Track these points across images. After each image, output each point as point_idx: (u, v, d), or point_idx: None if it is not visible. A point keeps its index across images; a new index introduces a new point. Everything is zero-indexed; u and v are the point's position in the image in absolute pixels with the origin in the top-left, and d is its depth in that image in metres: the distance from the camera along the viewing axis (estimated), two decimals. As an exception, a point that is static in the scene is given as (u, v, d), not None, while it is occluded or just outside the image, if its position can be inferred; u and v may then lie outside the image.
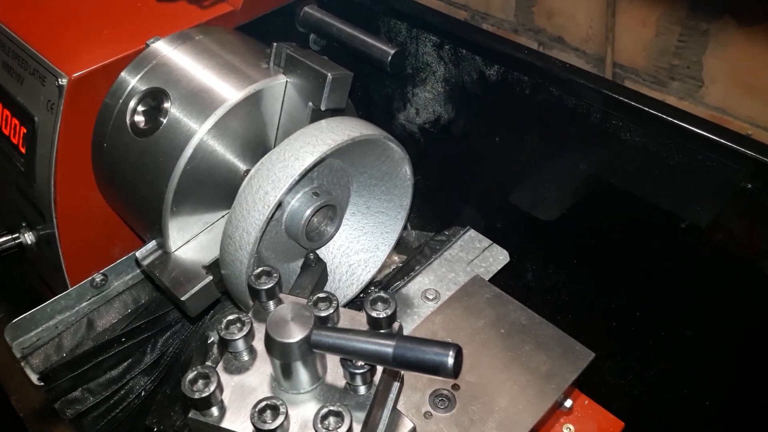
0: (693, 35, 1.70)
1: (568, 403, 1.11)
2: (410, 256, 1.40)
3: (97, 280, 1.29)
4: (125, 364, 1.25)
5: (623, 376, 1.35)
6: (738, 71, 1.62)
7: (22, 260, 1.49)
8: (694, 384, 1.26)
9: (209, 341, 1.27)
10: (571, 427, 1.12)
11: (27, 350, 1.24)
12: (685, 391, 1.28)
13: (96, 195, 1.22)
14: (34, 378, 1.21)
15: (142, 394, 1.28)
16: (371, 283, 1.29)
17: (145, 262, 1.06)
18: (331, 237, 1.14)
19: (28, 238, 1.35)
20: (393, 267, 1.38)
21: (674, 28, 1.75)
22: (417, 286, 1.30)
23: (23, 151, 1.22)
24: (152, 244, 1.07)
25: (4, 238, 1.34)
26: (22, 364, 1.24)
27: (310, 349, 0.73)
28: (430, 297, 1.28)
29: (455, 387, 1.09)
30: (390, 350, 0.69)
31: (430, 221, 1.60)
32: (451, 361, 0.66)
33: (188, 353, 1.29)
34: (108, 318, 1.30)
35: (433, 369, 0.68)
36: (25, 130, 1.20)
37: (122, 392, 1.26)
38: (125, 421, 1.29)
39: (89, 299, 1.29)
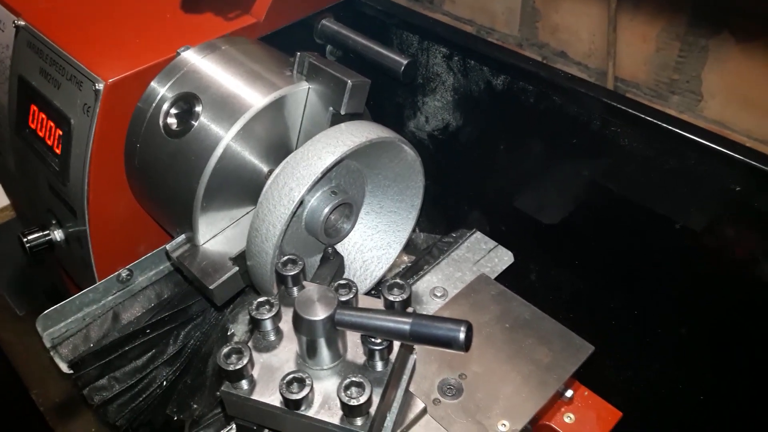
0: (692, 51, 1.75)
1: (569, 393, 1.16)
2: (419, 256, 1.46)
3: (123, 275, 1.35)
4: (149, 354, 1.32)
5: (622, 373, 1.41)
6: (736, 86, 1.67)
7: (44, 259, 1.55)
8: (689, 380, 1.32)
9: (229, 333, 1.34)
10: (572, 415, 1.18)
11: (56, 340, 1.31)
12: (680, 386, 1.34)
13: (126, 194, 1.30)
14: (63, 366, 1.27)
15: (164, 384, 1.35)
16: (382, 281, 1.35)
17: (175, 254, 1.13)
18: (347, 233, 1.21)
19: (58, 235, 1.42)
20: (403, 266, 1.45)
21: (674, 43, 1.80)
22: (426, 284, 1.37)
23: (58, 151, 1.29)
24: (181, 237, 1.15)
25: (35, 235, 1.41)
26: (52, 353, 1.31)
27: (334, 327, 0.80)
28: (438, 294, 1.34)
29: (462, 376, 1.15)
30: (407, 327, 0.76)
31: (438, 224, 1.67)
32: (462, 335, 0.73)
33: (209, 345, 1.36)
34: (132, 311, 1.36)
35: (446, 343, 0.75)
36: (60, 132, 1.27)
37: (146, 381, 1.32)
38: (147, 409, 1.35)
39: (115, 293, 1.35)
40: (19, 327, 1.99)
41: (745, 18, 1.52)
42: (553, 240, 1.48)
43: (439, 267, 1.41)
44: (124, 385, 1.29)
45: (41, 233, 1.42)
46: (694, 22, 1.69)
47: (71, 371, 1.26)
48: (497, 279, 1.38)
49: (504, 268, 1.41)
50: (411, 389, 0.95)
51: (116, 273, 1.34)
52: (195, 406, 1.34)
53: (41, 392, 1.84)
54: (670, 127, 1.14)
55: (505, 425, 1.08)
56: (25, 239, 1.40)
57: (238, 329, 1.33)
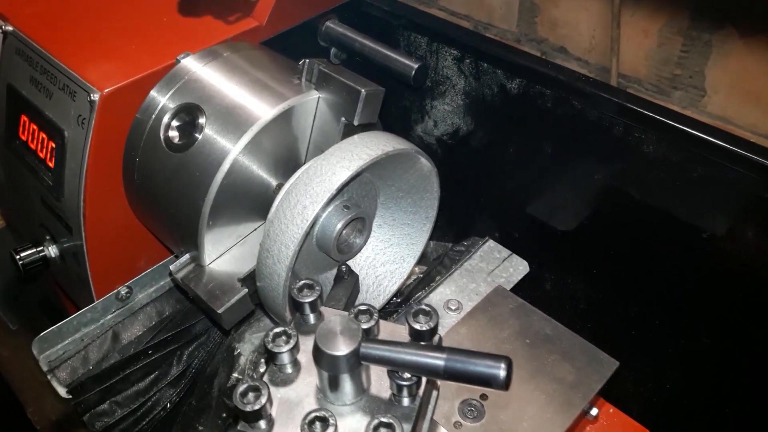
0: (695, 46, 1.72)
1: (594, 411, 1.12)
2: (430, 266, 1.41)
3: (123, 292, 1.30)
4: (152, 376, 1.26)
5: (643, 384, 1.37)
6: (739, 81, 1.65)
7: (38, 276, 1.49)
8: (713, 391, 1.28)
9: (236, 353, 1.28)
10: (598, 435, 1.14)
11: (53, 363, 1.25)
12: (704, 398, 1.30)
13: (123, 208, 1.23)
14: (62, 391, 1.22)
15: (168, 406, 1.29)
16: (397, 296, 1.30)
17: (180, 276, 1.07)
18: (360, 249, 1.16)
19: (52, 251, 1.36)
20: (414, 277, 1.39)
21: (676, 38, 1.78)
22: (439, 296, 1.32)
23: (51, 165, 1.23)
24: (185, 257, 1.08)
25: (28, 252, 1.35)
26: (49, 377, 1.25)
27: (358, 362, 0.75)
28: (453, 307, 1.29)
29: (483, 397, 1.10)
30: (441, 363, 0.71)
31: (447, 231, 1.62)
32: (503, 374, 0.68)
33: (214, 365, 1.30)
34: (133, 330, 1.31)
35: (485, 381, 0.69)
36: (53, 145, 1.21)
37: (149, 404, 1.26)
38: (151, 433, 1.30)
39: (114, 312, 1.30)
40: (13, 342, 1.92)
41: (749, 12, 1.49)
42: (568, 248, 1.44)
43: (452, 278, 1.36)
44: (127, 409, 1.23)
45: (34, 250, 1.35)
46: (696, 16, 1.66)
47: (70, 396, 1.21)
48: (511, 289, 1.33)
49: (519, 278, 1.36)
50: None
51: (115, 291, 1.29)
52: (201, 428, 1.29)
53: (37, 410, 1.78)
54: (698, 134, 1.09)
55: (530, 449, 1.03)
56: (18, 256, 1.33)
57: (245, 348, 1.28)
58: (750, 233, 1.15)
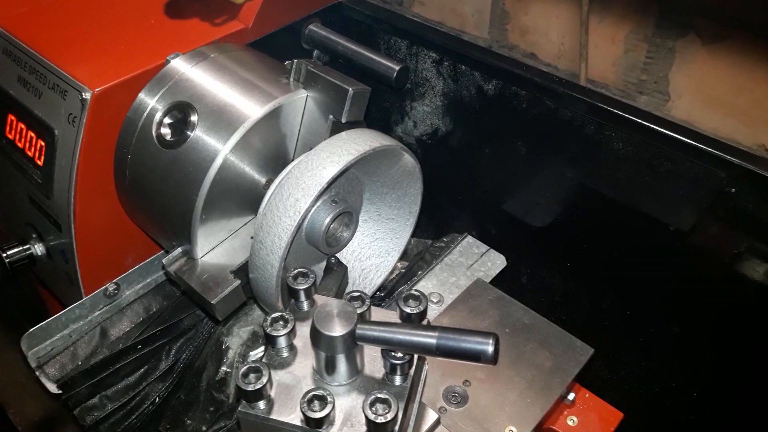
0: (660, 52, 1.77)
1: (571, 396, 1.17)
2: (412, 262, 1.46)
3: (110, 289, 1.31)
4: (141, 371, 1.28)
5: (615, 372, 1.43)
6: (702, 86, 1.70)
7: (22, 273, 1.49)
8: (682, 377, 1.34)
9: (224, 347, 1.30)
10: (575, 418, 1.19)
11: (42, 359, 1.26)
12: (673, 384, 1.36)
13: (113, 205, 1.25)
14: (51, 387, 1.23)
15: (157, 400, 1.31)
16: (382, 289, 1.34)
17: (173, 269, 1.09)
18: (347, 242, 1.20)
19: (39, 249, 1.37)
20: (396, 272, 1.44)
21: (642, 45, 1.82)
22: (421, 290, 1.36)
23: (40, 163, 1.24)
24: (178, 251, 1.11)
25: (15, 250, 1.36)
26: (38, 373, 1.26)
27: (354, 342, 0.79)
28: (435, 300, 1.34)
29: (466, 383, 1.15)
30: (434, 341, 0.75)
31: (427, 229, 1.67)
32: (491, 349, 0.73)
33: (202, 359, 1.33)
34: (120, 327, 1.33)
35: (474, 356, 0.74)
36: (43, 143, 1.22)
37: (138, 398, 1.28)
38: (140, 427, 1.31)
39: (102, 308, 1.32)
40: (-9, 344, 1.91)
41: (710, 20, 1.55)
42: (543, 242, 1.49)
43: (433, 272, 1.40)
44: (117, 403, 1.25)
45: (21, 248, 1.36)
46: (660, 24, 1.71)
47: (60, 391, 1.22)
48: (490, 282, 1.38)
49: (497, 272, 1.41)
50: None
51: (103, 287, 1.30)
52: (189, 422, 1.31)
53: (18, 411, 1.77)
54: (665, 131, 1.16)
55: (512, 431, 1.08)
56: (4, 254, 1.34)
57: (233, 342, 1.30)
58: (714, 226, 1.22)
